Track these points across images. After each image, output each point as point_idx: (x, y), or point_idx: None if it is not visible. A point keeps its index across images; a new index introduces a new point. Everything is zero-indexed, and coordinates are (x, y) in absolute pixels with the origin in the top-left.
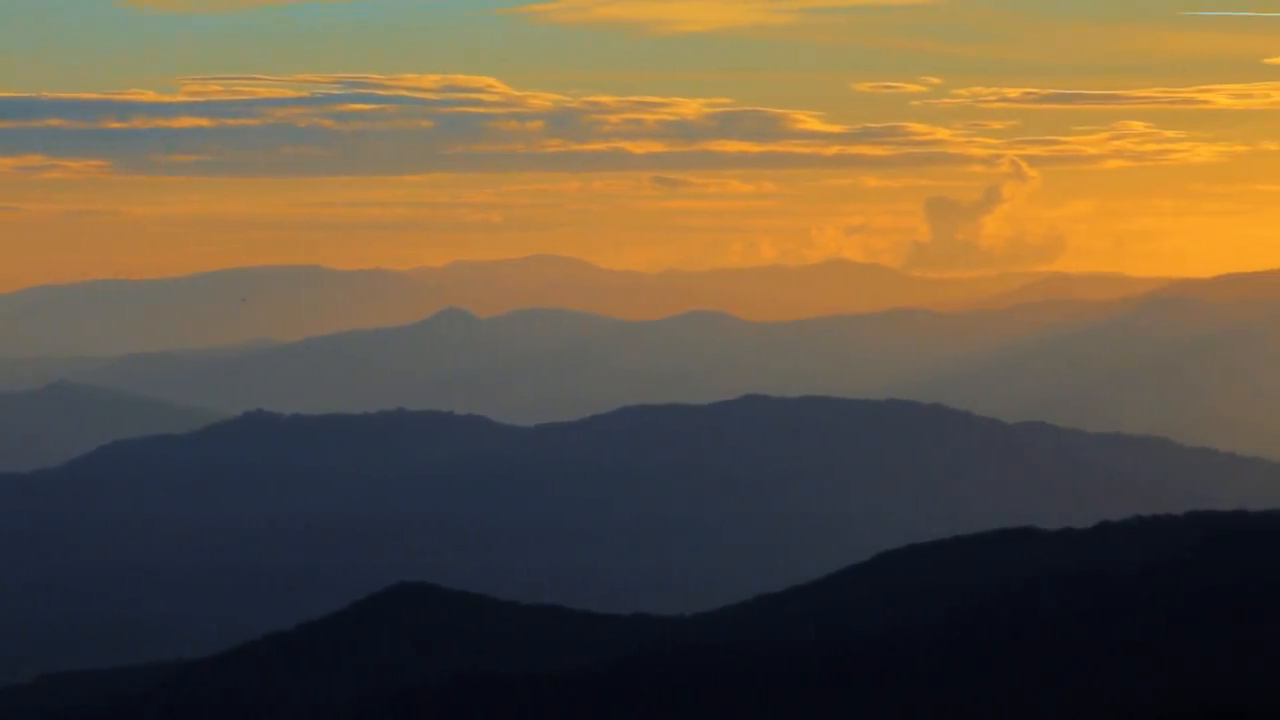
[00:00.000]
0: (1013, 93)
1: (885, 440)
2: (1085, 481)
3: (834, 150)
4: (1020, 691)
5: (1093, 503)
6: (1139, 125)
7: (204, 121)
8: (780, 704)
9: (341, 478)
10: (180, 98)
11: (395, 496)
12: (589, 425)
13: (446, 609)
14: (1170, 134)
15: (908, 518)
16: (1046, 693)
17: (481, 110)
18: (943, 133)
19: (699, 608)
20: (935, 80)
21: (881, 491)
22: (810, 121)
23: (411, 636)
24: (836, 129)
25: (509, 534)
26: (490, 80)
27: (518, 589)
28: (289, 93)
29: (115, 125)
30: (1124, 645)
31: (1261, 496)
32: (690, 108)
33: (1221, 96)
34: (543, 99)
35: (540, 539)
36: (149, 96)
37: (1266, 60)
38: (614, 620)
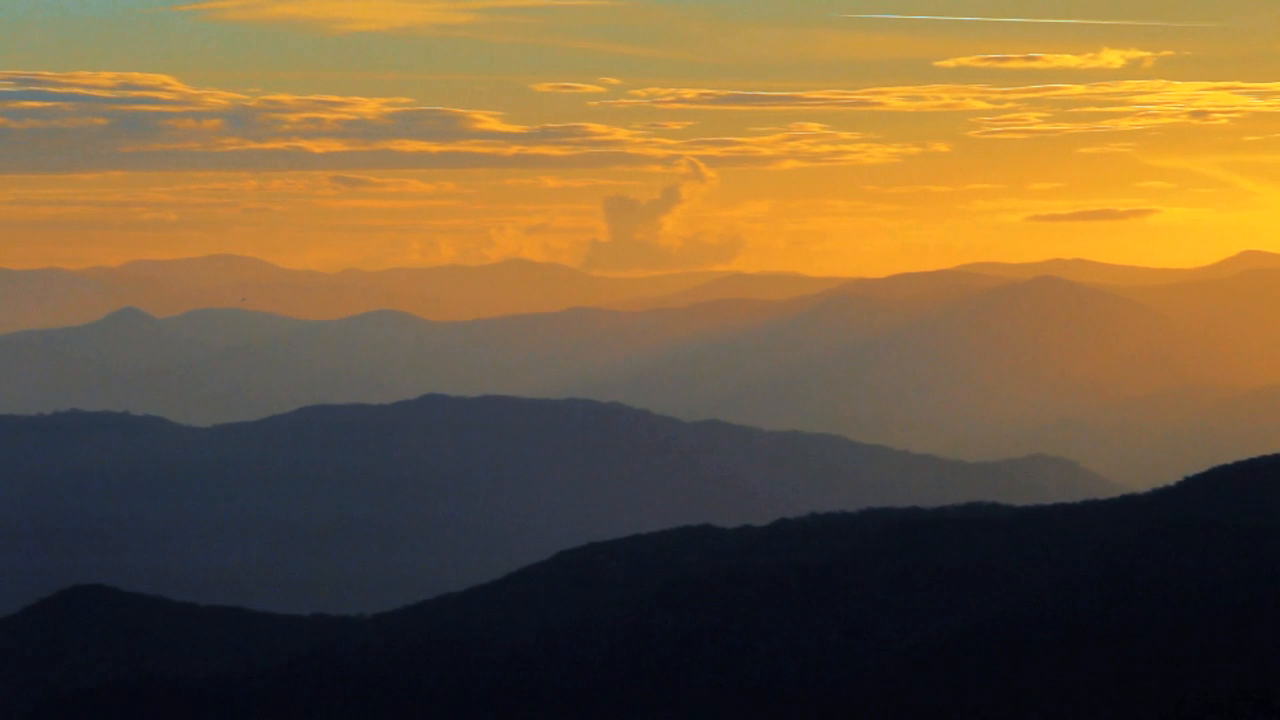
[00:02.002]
0: (690, 94)
1: (564, 439)
2: (762, 480)
3: (514, 150)
4: (697, 687)
5: (770, 501)
6: (814, 126)
7: None
8: (457, 703)
9: (13, 479)
10: None
11: (69, 497)
12: (268, 425)
13: (122, 610)
14: (844, 135)
15: (587, 516)
16: (725, 688)
17: (157, 109)
18: (621, 133)
19: (379, 608)
20: (613, 81)
21: (561, 490)
22: (490, 121)
23: (86, 639)
24: (516, 129)
25: (186, 534)
26: (166, 78)
27: (195, 590)
28: None
29: None
30: (801, 640)
31: (934, 493)
32: (370, 107)
33: (893, 99)
34: (220, 97)
35: (218, 539)
36: None
37: (937, 63)
38: (293, 620)
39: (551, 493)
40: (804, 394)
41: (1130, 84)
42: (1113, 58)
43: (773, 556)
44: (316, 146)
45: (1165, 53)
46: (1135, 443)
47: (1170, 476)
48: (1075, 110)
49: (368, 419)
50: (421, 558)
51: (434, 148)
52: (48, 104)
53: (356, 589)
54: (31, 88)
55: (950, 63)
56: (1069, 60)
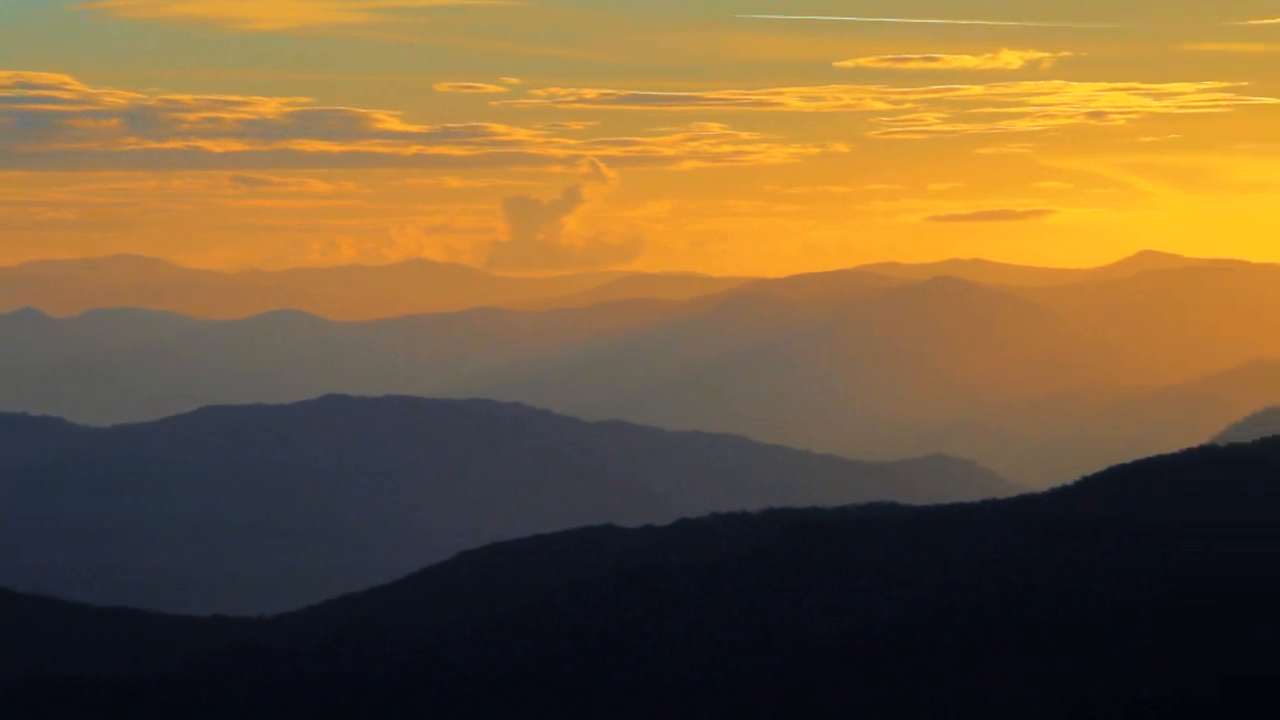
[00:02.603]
0: (591, 94)
1: (466, 440)
2: (664, 480)
3: (414, 150)
4: (601, 687)
5: (672, 500)
6: (714, 127)
7: None
8: (359, 703)
9: None
10: None
11: None
12: (167, 426)
13: (15, 611)
14: (745, 135)
15: (489, 517)
16: (628, 688)
17: (56, 108)
18: (522, 133)
19: (280, 608)
20: (514, 81)
21: (463, 491)
22: (390, 121)
23: None
24: (417, 129)
25: (83, 536)
26: (64, 77)
27: (92, 592)
28: None
29: None
30: (703, 639)
31: (835, 493)
32: (270, 107)
33: (793, 99)
34: (119, 97)
35: (115, 540)
36: None
37: (836, 63)
38: (191, 622)
39: (453, 493)
40: (705, 394)
41: (1028, 85)
42: (1011, 58)
43: (675, 556)
44: (216, 146)
45: (1063, 54)
46: (1033, 443)
47: (1068, 476)
48: (974, 111)
49: (268, 419)
50: (323, 558)
51: (334, 147)
52: None
53: (257, 590)
54: None
55: (849, 63)
56: (968, 61)
